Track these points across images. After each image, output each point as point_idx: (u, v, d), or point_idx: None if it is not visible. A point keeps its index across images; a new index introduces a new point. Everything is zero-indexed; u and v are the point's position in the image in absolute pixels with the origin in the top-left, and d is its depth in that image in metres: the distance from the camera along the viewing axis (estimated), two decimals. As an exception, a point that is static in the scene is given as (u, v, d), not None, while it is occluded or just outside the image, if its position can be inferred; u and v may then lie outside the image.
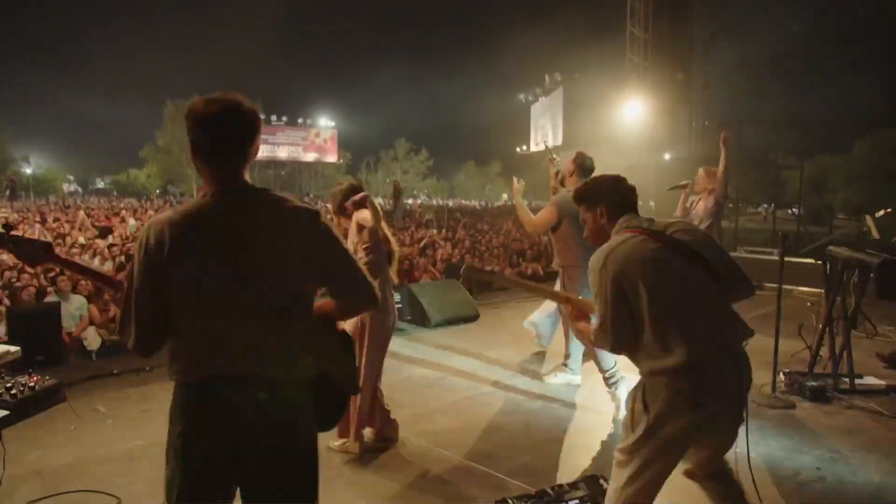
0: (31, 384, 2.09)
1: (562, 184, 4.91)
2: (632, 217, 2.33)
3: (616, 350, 2.15)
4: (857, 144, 34.80)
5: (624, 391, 4.33)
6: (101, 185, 64.38)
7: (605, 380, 4.47)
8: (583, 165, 4.69)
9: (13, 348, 2.35)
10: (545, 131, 38.13)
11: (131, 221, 17.89)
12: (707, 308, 2.11)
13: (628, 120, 14.98)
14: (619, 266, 2.11)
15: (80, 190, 59.15)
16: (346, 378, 1.83)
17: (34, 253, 1.94)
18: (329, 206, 4.01)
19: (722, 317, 2.14)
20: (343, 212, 3.79)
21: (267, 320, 1.62)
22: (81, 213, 16.34)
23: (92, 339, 7.47)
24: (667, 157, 15.50)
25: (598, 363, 4.48)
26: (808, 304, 8.32)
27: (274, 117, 57.83)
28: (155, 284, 1.59)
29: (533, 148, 41.05)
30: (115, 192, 55.08)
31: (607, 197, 2.39)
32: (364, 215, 3.73)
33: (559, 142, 34.68)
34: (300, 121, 60.16)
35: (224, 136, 1.65)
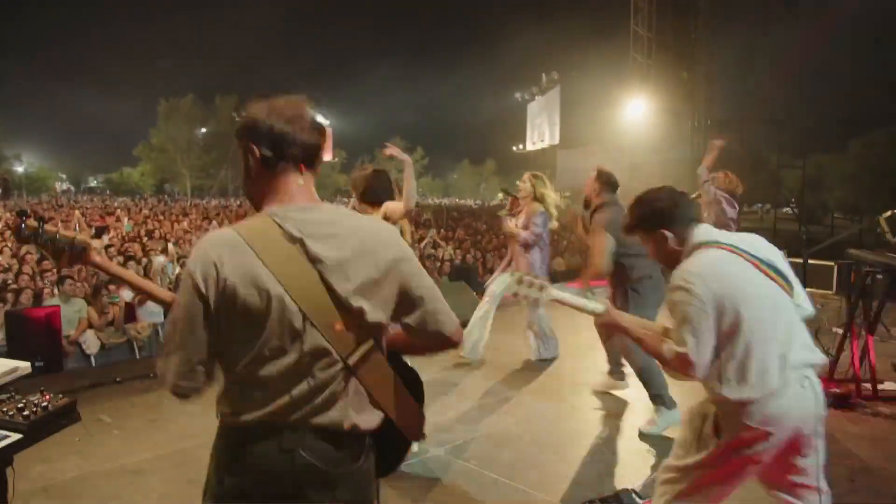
0: (44, 404, 1.94)
1: (585, 206, 4.66)
2: (705, 231, 2.15)
3: (699, 375, 2.00)
4: (852, 143, 34.91)
5: (675, 414, 4.17)
6: (93, 183, 63.92)
7: (655, 398, 4.24)
8: (609, 181, 4.49)
9: (22, 364, 2.20)
10: (542, 130, 37.98)
11: (125, 221, 17.68)
12: (791, 331, 2.01)
13: (630, 119, 14.89)
14: (715, 287, 1.96)
15: (72, 188, 58.73)
16: (411, 424, 1.61)
17: (70, 253, 1.73)
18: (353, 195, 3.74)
19: (802, 338, 2.04)
20: (370, 199, 3.59)
21: (339, 360, 1.42)
22: (77, 212, 16.13)
23: (91, 343, 7.32)
24: (668, 156, 15.41)
25: (649, 382, 4.25)
26: (819, 306, 8.27)
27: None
28: (206, 322, 1.38)
29: (529, 147, 40.94)
30: (107, 191, 54.71)
31: (669, 219, 2.17)
32: (393, 206, 3.60)
33: (556, 140, 34.52)
34: (295, 119, 59.79)
35: (308, 139, 1.48)
